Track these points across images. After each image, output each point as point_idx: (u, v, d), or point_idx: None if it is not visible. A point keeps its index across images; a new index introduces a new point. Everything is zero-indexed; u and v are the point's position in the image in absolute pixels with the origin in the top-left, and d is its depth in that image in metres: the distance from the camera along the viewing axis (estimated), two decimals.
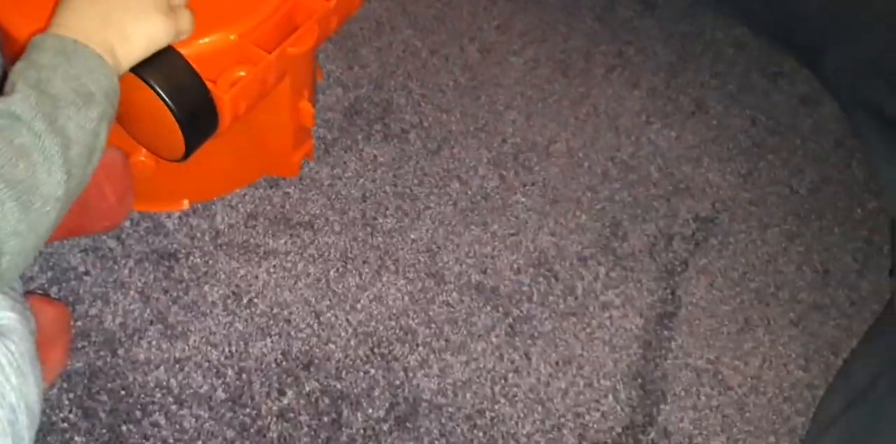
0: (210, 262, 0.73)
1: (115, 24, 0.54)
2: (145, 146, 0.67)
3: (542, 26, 0.93)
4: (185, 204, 0.76)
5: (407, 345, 0.72)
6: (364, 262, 0.76)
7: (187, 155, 0.64)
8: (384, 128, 0.84)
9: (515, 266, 0.78)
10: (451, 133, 0.84)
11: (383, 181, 0.81)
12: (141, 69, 0.59)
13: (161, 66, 0.60)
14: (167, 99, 0.60)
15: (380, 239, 0.77)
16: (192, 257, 0.73)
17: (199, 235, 0.75)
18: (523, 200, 0.81)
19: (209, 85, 0.61)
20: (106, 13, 0.54)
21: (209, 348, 0.69)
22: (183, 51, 0.61)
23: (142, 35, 0.55)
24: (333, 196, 0.79)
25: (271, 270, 0.74)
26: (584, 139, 0.86)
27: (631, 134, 0.87)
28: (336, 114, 0.84)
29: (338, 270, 0.75)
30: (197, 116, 0.62)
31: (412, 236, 0.78)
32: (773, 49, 0.94)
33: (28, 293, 0.67)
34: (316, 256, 0.75)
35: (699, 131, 0.89)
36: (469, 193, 0.81)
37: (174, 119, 0.61)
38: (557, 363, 0.73)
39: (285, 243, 0.76)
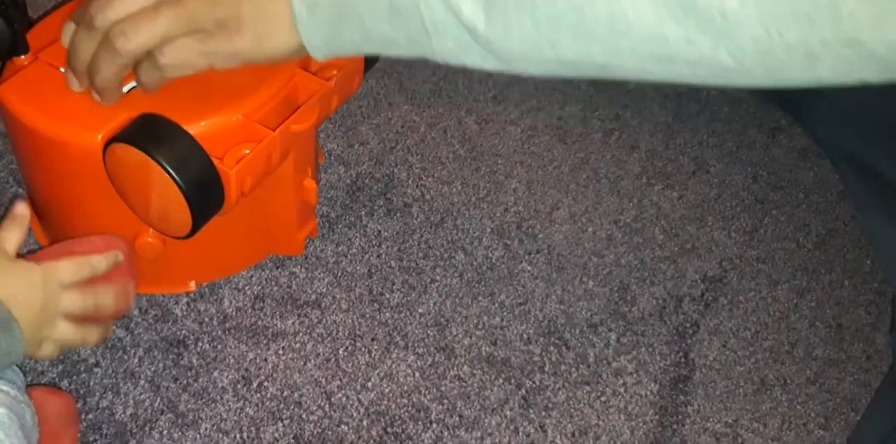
0: (219, 347, 0.73)
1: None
2: (152, 224, 0.67)
3: (537, 95, 0.94)
4: (192, 285, 0.77)
5: (420, 423, 0.71)
6: (373, 339, 0.75)
7: (194, 231, 0.65)
8: (387, 203, 0.84)
9: (525, 336, 0.77)
10: (454, 205, 0.85)
11: (388, 256, 0.81)
12: (148, 145, 0.61)
13: (168, 142, 0.62)
14: (174, 174, 0.61)
15: (387, 315, 0.77)
16: (200, 343, 0.73)
17: (207, 320, 0.75)
18: (529, 268, 0.81)
19: (215, 161, 0.63)
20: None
21: (220, 435, 0.69)
22: (190, 130, 0.62)
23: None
24: (339, 274, 0.79)
25: (280, 352, 0.74)
26: (586, 204, 0.86)
27: (633, 197, 0.88)
28: (339, 191, 0.85)
29: (347, 348, 0.75)
30: (204, 190, 0.63)
31: (420, 310, 0.78)
32: (769, 105, 0.95)
33: (33, 386, 0.66)
34: (324, 335, 0.75)
35: (701, 190, 0.89)
36: (474, 263, 0.81)
37: (182, 194, 0.62)
38: (574, 434, 0.72)
39: (293, 323, 0.75)
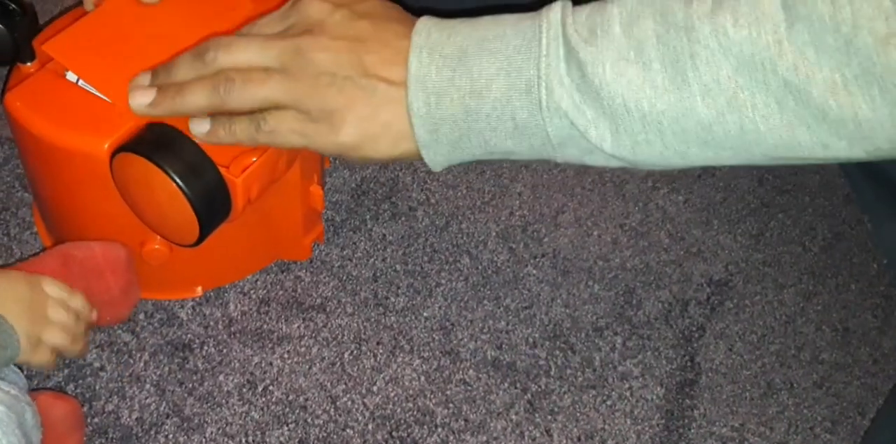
0: (224, 351, 0.73)
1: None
2: (159, 232, 0.67)
3: None
4: (199, 291, 0.77)
5: (425, 427, 0.71)
6: (378, 343, 0.75)
7: (201, 239, 0.65)
8: (391, 207, 0.84)
9: (531, 340, 0.77)
10: (459, 209, 0.85)
11: (393, 260, 0.81)
12: (155, 155, 0.61)
13: (175, 151, 0.61)
14: (181, 183, 0.61)
15: (393, 319, 0.77)
16: (206, 347, 0.73)
17: (212, 323, 0.75)
18: (534, 272, 0.81)
19: (222, 170, 0.63)
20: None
21: (226, 439, 0.69)
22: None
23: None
24: (344, 277, 0.79)
25: (285, 355, 0.74)
26: (591, 208, 0.86)
27: (638, 200, 0.88)
28: (343, 195, 0.85)
29: (352, 352, 0.75)
30: (211, 199, 0.63)
31: (425, 314, 0.78)
32: None
33: (39, 390, 0.67)
34: (330, 339, 0.75)
35: (707, 194, 0.89)
36: (480, 267, 0.81)
37: (188, 203, 0.62)
38: (579, 439, 0.72)
39: (298, 327, 0.75)
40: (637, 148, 0.52)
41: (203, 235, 0.64)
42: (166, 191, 0.61)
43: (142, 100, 0.61)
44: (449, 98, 0.55)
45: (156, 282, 0.74)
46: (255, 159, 0.64)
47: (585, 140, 0.53)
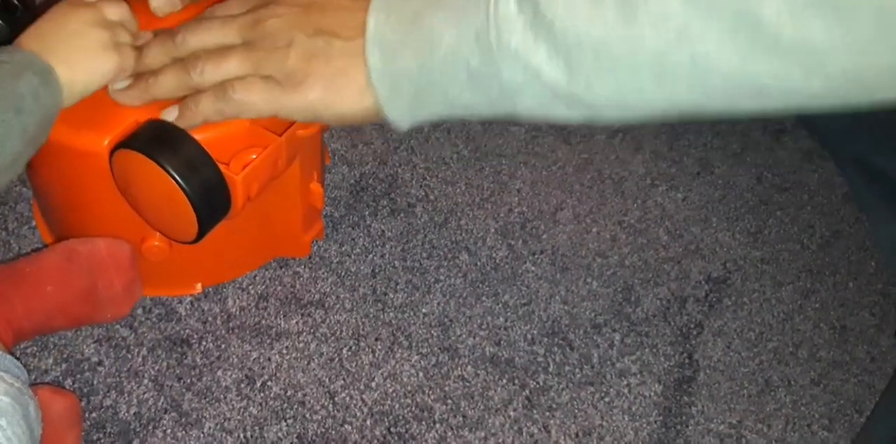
0: (223, 346, 0.73)
1: (61, 57, 0.58)
2: (159, 229, 0.67)
3: None
4: (199, 287, 0.77)
5: (424, 423, 0.71)
6: (377, 339, 0.75)
7: (200, 236, 0.65)
8: (390, 203, 0.84)
9: (529, 336, 0.77)
10: (458, 205, 0.85)
11: (392, 256, 0.81)
12: (154, 152, 0.61)
13: (174, 148, 0.61)
14: (180, 180, 0.61)
15: (391, 315, 0.77)
16: (204, 342, 0.73)
17: (210, 319, 0.75)
18: (533, 268, 0.81)
19: (221, 167, 0.63)
20: (53, 48, 0.58)
21: (224, 434, 0.69)
22: (196, 135, 0.62)
23: (88, 69, 0.59)
24: (343, 273, 0.79)
25: (284, 351, 0.74)
26: (590, 205, 0.86)
27: (637, 198, 0.88)
28: (342, 191, 0.85)
29: (350, 348, 0.75)
30: (210, 196, 0.63)
31: (424, 310, 0.78)
32: None
33: (37, 385, 0.66)
34: (328, 335, 0.75)
35: (706, 192, 0.89)
36: (478, 264, 0.81)
37: (187, 200, 0.62)
38: (577, 435, 0.72)
39: (297, 323, 0.75)
40: (593, 86, 0.51)
41: (202, 232, 0.64)
42: (165, 188, 0.61)
43: (119, 85, 0.63)
44: (403, 53, 0.56)
45: (156, 278, 0.74)
46: (255, 156, 0.63)
47: (540, 83, 0.52)
